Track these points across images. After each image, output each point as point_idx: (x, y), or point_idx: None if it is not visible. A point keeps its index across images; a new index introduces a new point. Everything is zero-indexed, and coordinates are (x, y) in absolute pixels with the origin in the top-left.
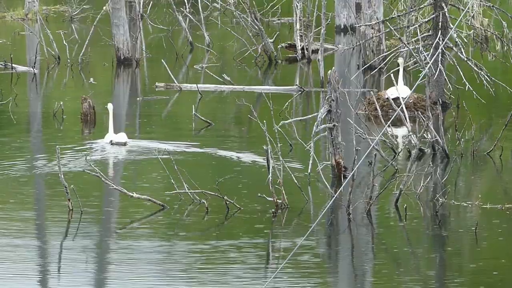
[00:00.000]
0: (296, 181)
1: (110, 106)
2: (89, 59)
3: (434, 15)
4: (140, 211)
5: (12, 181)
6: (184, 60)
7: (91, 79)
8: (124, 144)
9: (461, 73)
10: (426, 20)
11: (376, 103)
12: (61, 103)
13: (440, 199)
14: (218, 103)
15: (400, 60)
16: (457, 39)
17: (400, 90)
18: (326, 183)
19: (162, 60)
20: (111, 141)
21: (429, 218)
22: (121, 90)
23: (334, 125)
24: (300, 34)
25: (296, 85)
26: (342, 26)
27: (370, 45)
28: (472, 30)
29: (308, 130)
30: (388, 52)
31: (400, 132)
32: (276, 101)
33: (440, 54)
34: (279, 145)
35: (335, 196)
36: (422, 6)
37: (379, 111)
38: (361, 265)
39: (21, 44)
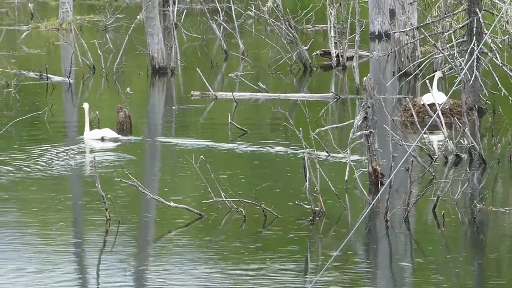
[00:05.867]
0: (333, 189)
1: (86, 105)
2: (124, 69)
3: (468, 21)
4: (178, 220)
5: (49, 191)
6: (219, 68)
7: (128, 89)
8: (116, 140)
9: (497, 79)
10: (461, 26)
11: (412, 109)
12: (97, 112)
13: (478, 205)
14: (254, 111)
15: (438, 74)
16: (491, 45)
17: (436, 96)
18: (363, 190)
19: (197, 69)
20: (102, 137)
21: (467, 224)
22: (157, 99)
23: (370, 132)
24: (335, 41)
25: (332, 92)
26: (377, 33)
27: (405, 51)
28: (507, 35)
29: (345, 137)
30: (423, 58)
31: (437, 138)
32: (312, 108)
33: (475, 60)
34: (315, 152)
35: (373, 203)
36: (456, 12)
37: (415, 117)
38: (400, 271)
39: (55, 54)
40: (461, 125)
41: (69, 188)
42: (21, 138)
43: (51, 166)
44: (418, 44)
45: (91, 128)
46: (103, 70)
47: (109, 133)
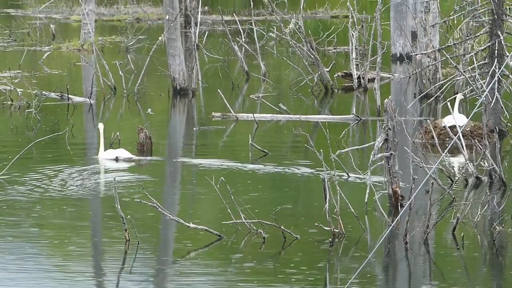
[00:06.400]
0: (353, 210)
1: (100, 126)
2: (145, 90)
3: (490, 43)
4: (197, 241)
5: (67, 212)
6: (240, 89)
7: (149, 110)
8: (130, 160)
9: None
10: (482, 48)
11: (433, 131)
12: (118, 133)
13: (498, 228)
14: (275, 133)
15: (459, 96)
16: None
17: (456, 118)
18: (383, 212)
19: (218, 90)
20: (116, 157)
21: (487, 247)
22: (177, 120)
23: (391, 154)
24: (356, 63)
25: (353, 114)
26: (398, 55)
27: (426, 73)
28: None
29: (365, 159)
30: (445, 81)
31: (457, 160)
32: (333, 130)
33: (496, 82)
34: (336, 174)
35: (392, 225)
36: (478, 34)
37: (436, 140)
38: None
39: (77, 74)
40: (481, 147)
41: (87, 208)
42: (41, 158)
43: (69, 186)
44: (439, 66)
45: (111, 148)
46: (124, 91)
47: (123, 153)
